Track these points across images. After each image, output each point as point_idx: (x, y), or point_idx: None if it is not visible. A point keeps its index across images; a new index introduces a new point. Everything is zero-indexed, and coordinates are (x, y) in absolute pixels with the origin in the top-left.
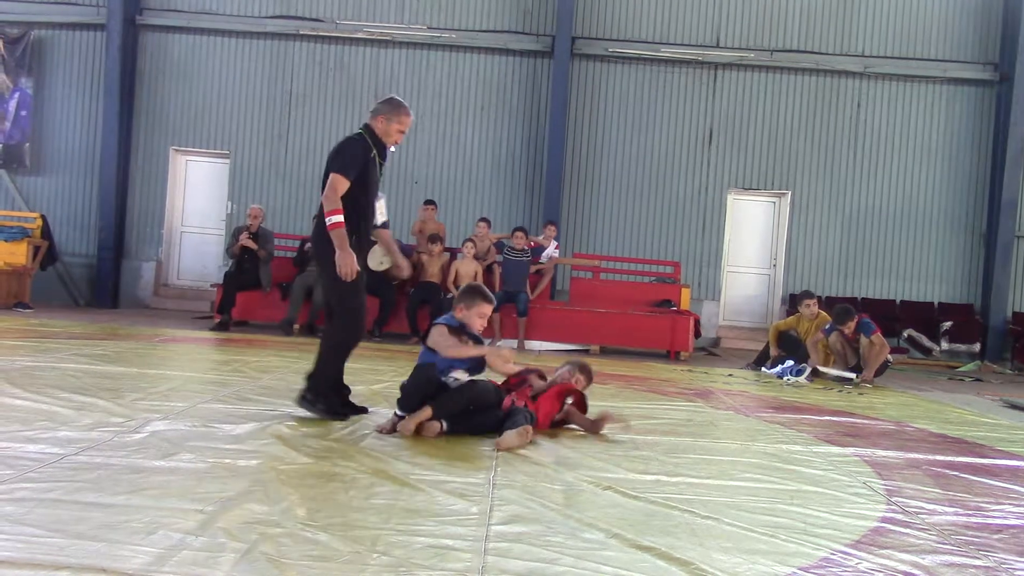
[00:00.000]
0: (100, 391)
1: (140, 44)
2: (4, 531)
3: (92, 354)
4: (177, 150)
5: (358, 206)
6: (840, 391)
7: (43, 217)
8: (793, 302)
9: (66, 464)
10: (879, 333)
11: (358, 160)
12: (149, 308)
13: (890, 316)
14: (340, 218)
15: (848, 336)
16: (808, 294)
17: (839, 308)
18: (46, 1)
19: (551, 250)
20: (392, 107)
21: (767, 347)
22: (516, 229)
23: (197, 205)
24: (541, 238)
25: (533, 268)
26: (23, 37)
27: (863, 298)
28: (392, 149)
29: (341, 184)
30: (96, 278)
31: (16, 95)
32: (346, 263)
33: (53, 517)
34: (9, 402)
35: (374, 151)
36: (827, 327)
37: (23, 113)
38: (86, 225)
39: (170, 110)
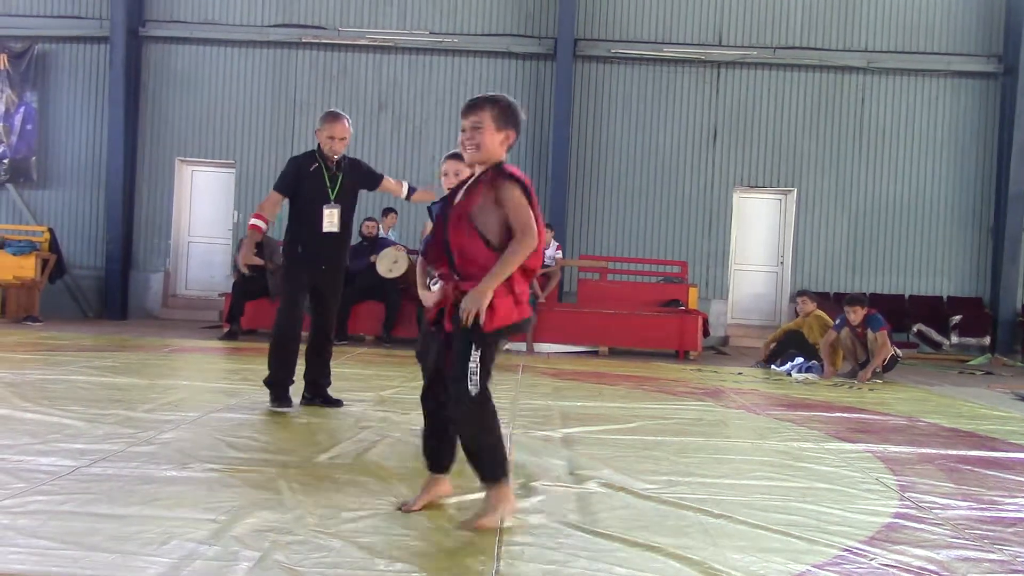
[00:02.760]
0: (111, 403)
1: (144, 56)
2: (18, 544)
3: (102, 366)
4: (183, 160)
5: (300, 217)
6: (850, 387)
7: (51, 230)
8: None
9: (78, 476)
10: (884, 331)
11: (288, 176)
12: (158, 319)
13: (899, 311)
14: (257, 222)
15: (858, 332)
16: (802, 292)
17: (850, 295)
18: (50, 15)
19: (553, 251)
20: (321, 119)
21: (777, 345)
22: None
23: (204, 215)
24: None
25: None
26: (27, 51)
27: (871, 293)
28: (336, 157)
29: (272, 198)
30: (104, 290)
31: (21, 109)
32: (241, 256)
33: (66, 529)
34: (20, 415)
35: (318, 164)
36: (837, 322)
37: (29, 127)
38: (94, 237)
39: (175, 121)
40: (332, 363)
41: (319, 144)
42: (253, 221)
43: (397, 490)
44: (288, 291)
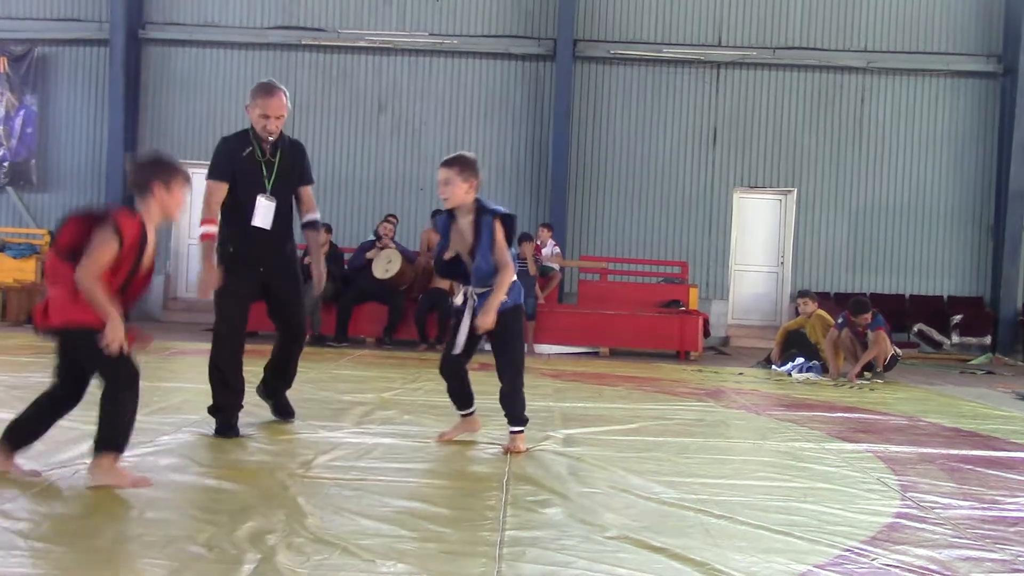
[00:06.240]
0: None
1: (143, 58)
2: (18, 547)
3: None
4: (183, 163)
5: (232, 212)
6: (851, 387)
7: (51, 233)
8: None
9: (79, 479)
10: (881, 330)
11: (222, 161)
12: (159, 322)
13: (900, 311)
14: (208, 229)
15: (859, 332)
16: (803, 293)
17: (853, 301)
18: (49, 18)
19: (551, 250)
20: (252, 93)
21: (782, 345)
22: (521, 237)
23: None
24: (539, 243)
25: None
26: (27, 54)
27: (872, 293)
28: (271, 138)
29: (211, 190)
30: None
31: (21, 112)
32: (204, 281)
33: (67, 532)
34: None
35: (252, 147)
36: (839, 321)
37: (29, 130)
38: None
39: (175, 123)
40: (333, 366)
41: (251, 124)
42: (202, 230)
43: (399, 491)
44: (220, 301)
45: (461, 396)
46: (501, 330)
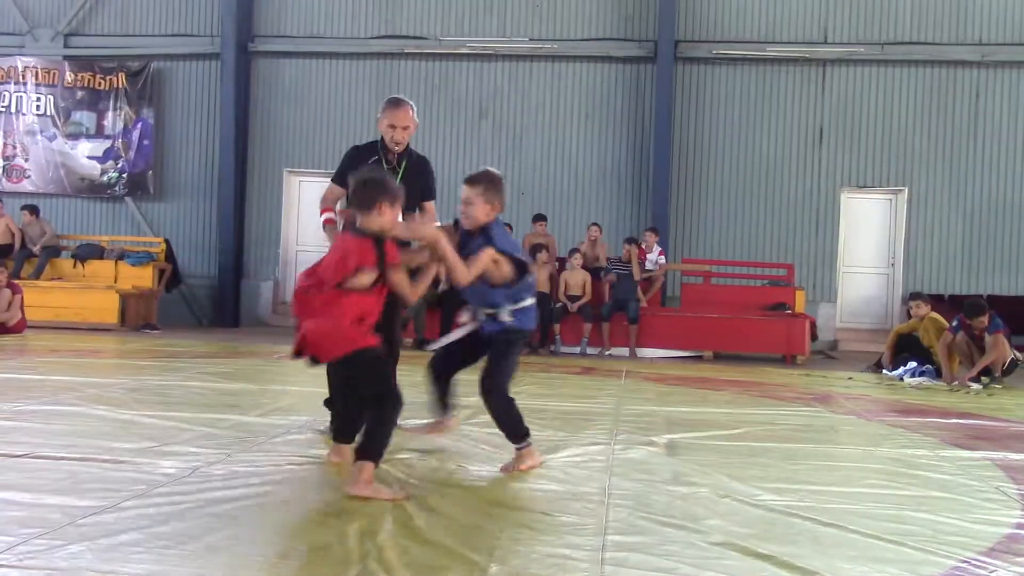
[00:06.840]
0: (224, 407)
1: (253, 71)
2: (138, 543)
3: (216, 372)
4: (291, 172)
5: None
6: (967, 392)
7: (167, 241)
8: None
9: (197, 477)
10: (1000, 333)
11: (345, 167)
12: (268, 326)
13: (1018, 313)
14: (327, 215)
15: (976, 334)
16: (915, 295)
17: (969, 303)
18: (164, 34)
19: (656, 256)
20: (382, 107)
21: (893, 349)
22: (626, 240)
23: (311, 225)
24: (644, 247)
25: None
26: (143, 70)
27: (988, 295)
28: (398, 149)
29: (329, 190)
30: (218, 298)
31: (139, 125)
32: None
33: (186, 529)
34: (141, 420)
35: (378, 156)
36: (954, 324)
37: (145, 142)
38: (207, 248)
39: (283, 133)
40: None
41: (381, 136)
42: (324, 217)
43: (502, 494)
44: None
45: (440, 401)
46: (495, 344)
